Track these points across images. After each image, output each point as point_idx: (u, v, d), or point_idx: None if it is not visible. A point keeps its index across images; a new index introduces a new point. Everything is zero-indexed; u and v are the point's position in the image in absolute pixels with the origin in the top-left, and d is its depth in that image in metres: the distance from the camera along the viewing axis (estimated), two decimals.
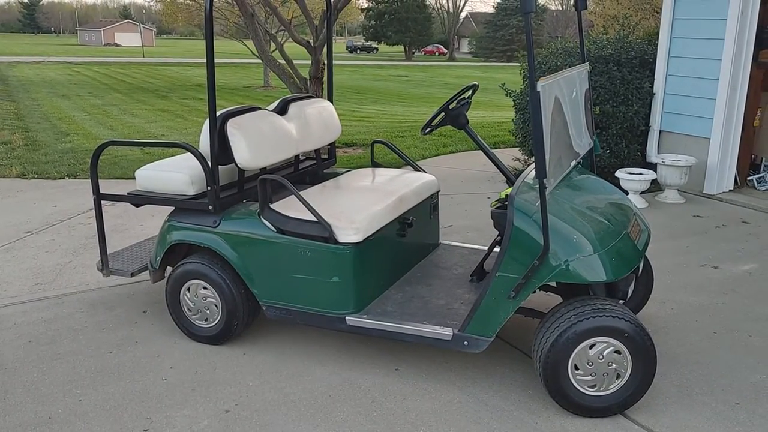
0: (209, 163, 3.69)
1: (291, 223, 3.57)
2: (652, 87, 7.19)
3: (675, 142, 7.11)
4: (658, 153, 7.17)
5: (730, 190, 6.93)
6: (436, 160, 9.20)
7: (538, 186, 3.01)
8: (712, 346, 3.83)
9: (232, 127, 3.73)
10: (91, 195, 4.14)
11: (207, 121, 3.82)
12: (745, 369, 3.60)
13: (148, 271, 4.14)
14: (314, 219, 3.49)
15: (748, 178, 7.12)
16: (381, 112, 18.75)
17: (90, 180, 4.11)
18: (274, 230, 3.61)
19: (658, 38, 7.37)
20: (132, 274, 4.15)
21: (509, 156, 8.75)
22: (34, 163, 9.03)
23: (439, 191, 4.47)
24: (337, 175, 4.59)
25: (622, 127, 7.01)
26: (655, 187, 6.89)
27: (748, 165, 7.11)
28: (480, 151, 9.83)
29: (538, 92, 2.94)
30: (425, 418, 3.20)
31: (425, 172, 4.58)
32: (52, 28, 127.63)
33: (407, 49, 63.99)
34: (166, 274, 4.06)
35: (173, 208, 3.96)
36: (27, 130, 12.56)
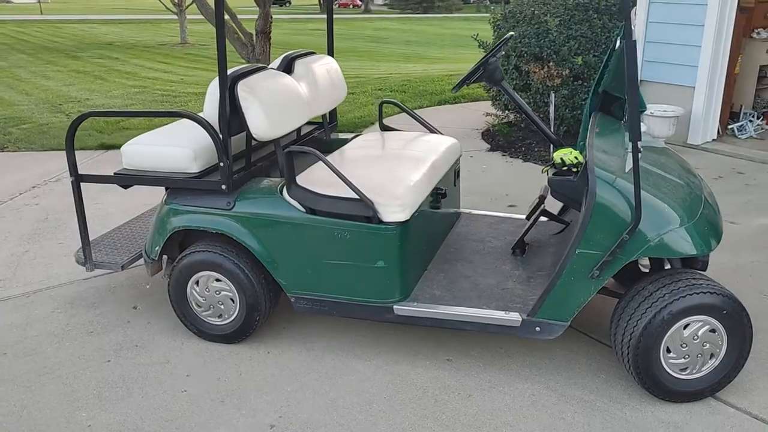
0: (220, 134, 3.11)
1: (324, 202, 3.06)
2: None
3: (656, 92, 6.90)
4: None
5: (713, 140, 6.81)
6: (400, 118, 8.72)
7: (630, 150, 2.63)
8: (767, 310, 3.62)
9: (244, 92, 3.16)
10: (69, 176, 3.49)
11: (212, 85, 3.23)
12: None
13: (143, 262, 3.54)
14: (353, 196, 3.00)
15: (729, 127, 7.02)
16: None
17: (66, 157, 3.47)
18: (304, 210, 3.10)
19: None
20: (123, 267, 3.55)
21: (478, 111, 8.38)
22: None
23: (461, 155, 4.04)
24: (345, 141, 4.08)
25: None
26: None
27: (728, 113, 7.00)
28: (447, 107, 9.48)
29: (634, 41, 2.54)
30: (502, 417, 2.83)
31: (441, 134, 4.13)
32: None
33: (321, 2, 62.17)
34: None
35: (164, 188, 3.39)
36: None
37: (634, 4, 3.99)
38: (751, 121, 7.02)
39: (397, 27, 40.96)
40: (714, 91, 6.59)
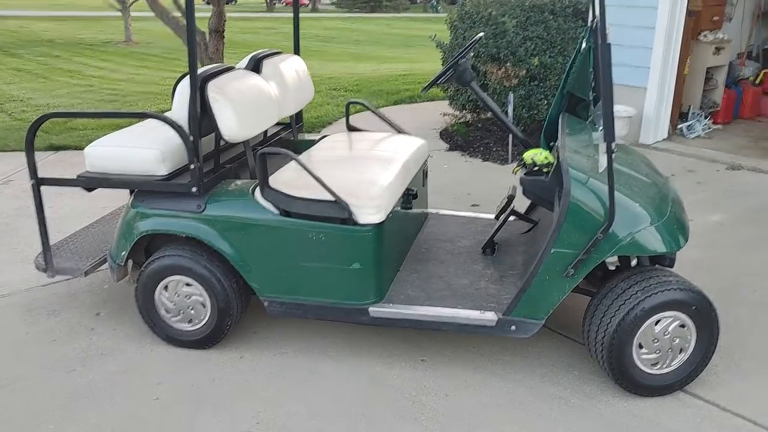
0: (190, 135, 3.04)
1: (298, 204, 3.03)
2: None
3: None
4: (594, 105, 7.09)
5: (664, 139, 7.01)
6: (363, 118, 8.70)
7: (603, 150, 2.68)
8: (726, 305, 3.72)
9: (215, 92, 3.10)
10: (29, 180, 3.36)
11: (180, 85, 3.17)
12: (767, 327, 3.54)
13: (108, 267, 3.44)
14: (327, 198, 2.98)
15: (678, 127, 7.23)
16: None
17: (26, 160, 3.36)
18: (278, 212, 3.06)
19: None
20: (86, 273, 3.44)
21: (434, 111, 8.43)
22: None
23: (429, 156, 4.05)
24: (312, 142, 4.05)
25: (559, 79, 6.84)
26: None
27: (677, 113, 7.21)
28: (404, 106, 9.47)
29: (609, 44, 2.60)
30: (481, 416, 2.85)
31: (409, 134, 4.14)
32: None
33: (268, 0, 61.55)
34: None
35: (129, 191, 3.31)
36: None
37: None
38: (699, 121, 7.25)
39: (345, 26, 40.78)
40: (665, 92, 6.78)
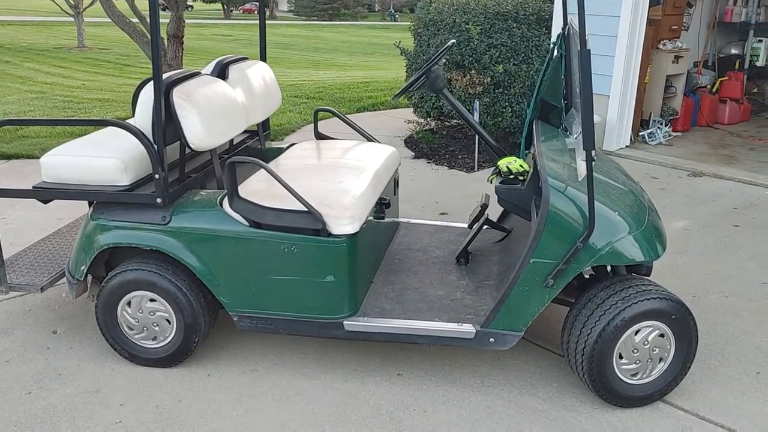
0: (154, 144, 2.91)
1: (269, 215, 2.92)
2: (550, 44, 7.09)
3: None
4: (566, 112, 7.13)
5: (626, 146, 7.07)
6: (330, 125, 8.58)
7: (582, 158, 2.64)
8: (700, 312, 3.74)
9: (180, 99, 2.97)
10: None
11: (144, 92, 3.02)
12: (742, 333, 3.54)
13: (66, 282, 3.26)
14: (300, 208, 2.87)
15: (639, 134, 7.31)
16: None
17: None
18: (247, 224, 2.94)
19: None
20: (42, 289, 3.26)
21: (399, 119, 8.37)
22: None
23: (400, 164, 3.97)
24: (280, 150, 3.93)
25: (523, 86, 6.85)
26: None
27: (639, 121, 7.29)
28: (367, 114, 9.39)
29: (589, 50, 2.56)
30: (460, 431, 2.77)
31: (379, 141, 4.05)
32: None
33: (225, 7, 61.06)
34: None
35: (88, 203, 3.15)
36: None
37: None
38: (659, 128, 7.34)
39: (304, 33, 40.64)
40: (627, 99, 6.84)
